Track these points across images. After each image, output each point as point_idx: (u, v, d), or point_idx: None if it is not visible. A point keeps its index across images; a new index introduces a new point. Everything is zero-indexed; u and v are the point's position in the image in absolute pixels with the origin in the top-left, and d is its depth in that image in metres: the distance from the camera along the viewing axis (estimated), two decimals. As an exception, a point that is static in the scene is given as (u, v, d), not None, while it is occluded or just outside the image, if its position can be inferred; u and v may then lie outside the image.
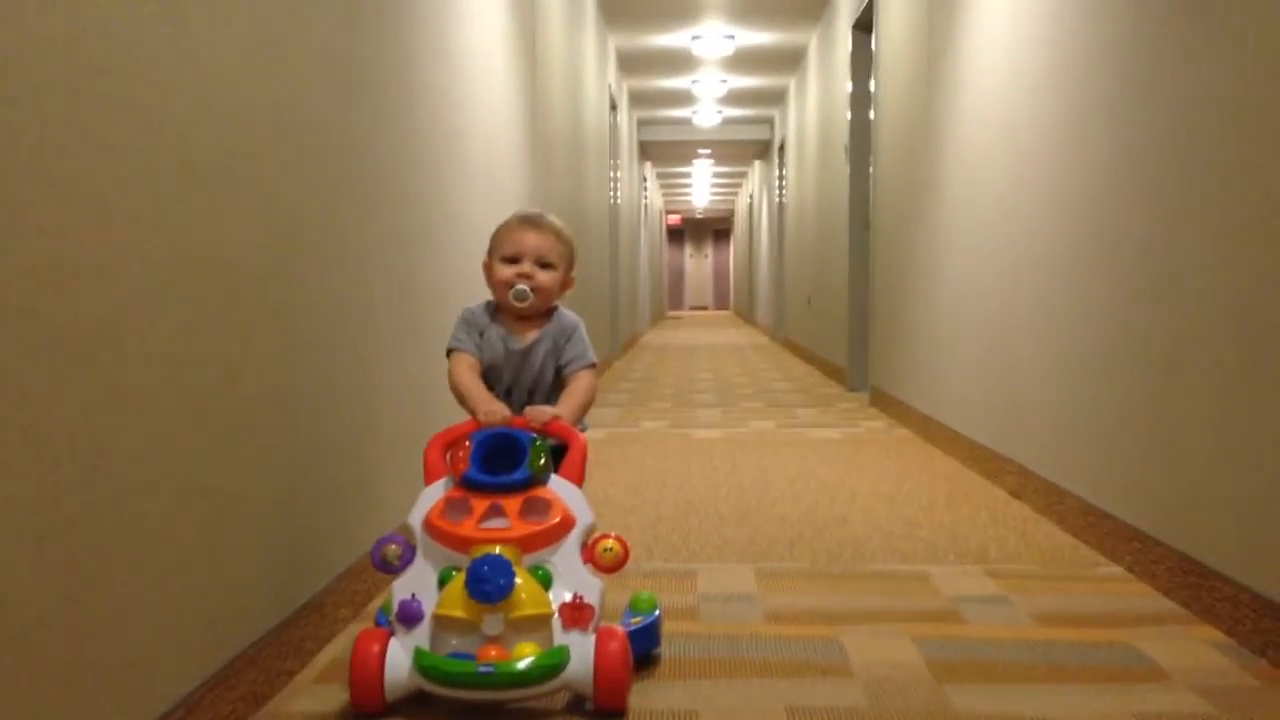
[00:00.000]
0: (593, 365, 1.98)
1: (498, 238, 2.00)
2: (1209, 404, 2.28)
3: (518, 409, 1.91)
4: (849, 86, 7.40)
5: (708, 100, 13.28)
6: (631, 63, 11.22)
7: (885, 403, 6.01)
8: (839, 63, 8.10)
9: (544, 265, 1.97)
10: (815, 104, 9.85)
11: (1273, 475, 2.03)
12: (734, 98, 13.19)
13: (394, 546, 1.71)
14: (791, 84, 12.15)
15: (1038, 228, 3.44)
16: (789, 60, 11.18)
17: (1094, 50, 2.97)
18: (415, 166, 2.89)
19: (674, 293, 31.76)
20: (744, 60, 11.08)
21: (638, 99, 13.24)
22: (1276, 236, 2.02)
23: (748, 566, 2.72)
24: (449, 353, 1.97)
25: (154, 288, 1.47)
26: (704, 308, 32.81)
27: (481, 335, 1.96)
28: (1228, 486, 2.20)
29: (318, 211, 2.12)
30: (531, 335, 1.97)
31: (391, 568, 1.71)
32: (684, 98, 13.16)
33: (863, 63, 7.12)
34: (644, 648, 1.90)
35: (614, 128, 10.40)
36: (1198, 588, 2.29)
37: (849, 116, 7.39)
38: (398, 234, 2.67)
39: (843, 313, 7.57)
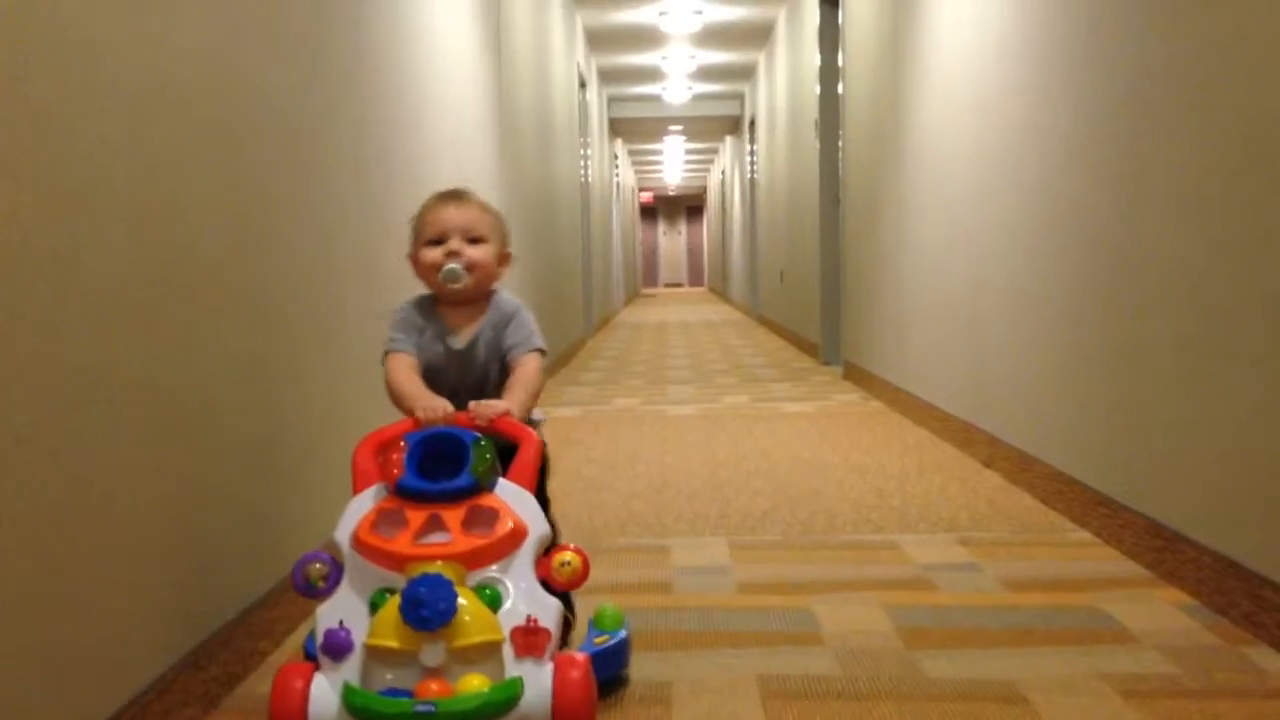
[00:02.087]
0: (540, 350, 1.78)
1: (418, 222, 1.79)
2: (1172, 372, 2.31)
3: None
4: (817, 60, 7.40)
5: (677, 76, 13.24)
6: (600, 40, 11.16)
7: (858, 376, 6.05)
8: (807, 37, 8.09)
9: (473, 240, 1.75)
10: (785, 79, 9.85)
11: (1233, 439, 2.06)
12: (703, 73, 13.15)
13: (318, 565, 1.48)
14: (761, 59, 12.13)
15: (1005, 201, 3.46)
16: (758, 35, 11.15)
17: (1059, 24, 2.98)
18: (378, 148, 2.87)
19: (648, 270, 31.75)
20: (713, 35, 11.04)
21: (607, 76, 13.18)
22: (1233, 206, 2.04)
23: (721, 539, 2.74)
24: (385, 355, 1.75)
25: (112, 273, 1.46)
26: (678, 285, 32.83)
27: (422, 334, 1.76)
28: (1191, 451, 2.23)
29: (279, 193, 2.10)
30: (470, 330, 1.77)
31: (316, 590, 1.47)
32: (653, 74, 13.11)
33: (831, 36, 7.11)
34: (609, 672, 1.70)
35: (583, 105, 10.36)
36: (1163, 551, 2.33)
37: (818, 91, 7.39)
38: (362, 216, 2.66)
39: (815, 287, 7.59)
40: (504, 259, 1.81)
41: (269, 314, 2.02)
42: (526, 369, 1.74)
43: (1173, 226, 2.30)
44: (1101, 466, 2.70)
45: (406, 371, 1.71)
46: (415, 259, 1.79)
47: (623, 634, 1.74)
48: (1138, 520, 2.46)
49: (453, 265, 1.72)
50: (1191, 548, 2.21)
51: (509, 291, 1.84)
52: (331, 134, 2.44)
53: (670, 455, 3.96)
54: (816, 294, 7.52)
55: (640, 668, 1.84)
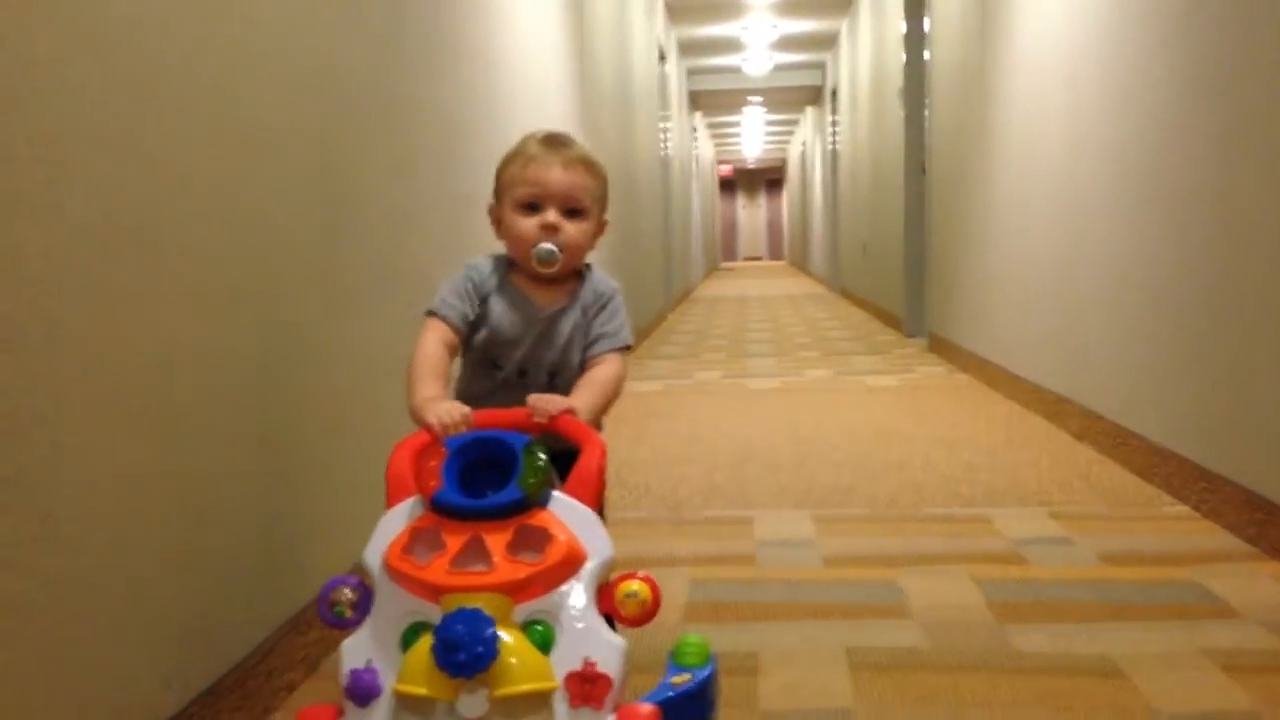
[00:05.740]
0: (627, 348, 1.53)
1: (510, 173, 1.52)
2: (1274, 341, 2.23)
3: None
4: (902, 27, 7.26)
5: (758, 46, 13.10)
6: (679, 11, 11.09)
7: (943, 348, 5.95)
8: (892, 3, 7.94)
9: (572, 212, 1.50)
10: (868, 46, 9.68)
11: (1344, 408, 1.98)
12: (784, 43, 13.00)
13: (347, 591, 1.25)
14: (843, 26, 11.94)
15: (1101, 170, 3.36)
16: (840, 2, 10.98)
17: (1155, -23, 2.88)
18: (458, 123, 2.89)
19: (727, 244, 31.59)
20: (794, 3, 10.90)
21: (687, 48, 13.10)
22: (1348, 162, 1.96)
23: (805, 513, 2.73)
24: (426, 315, 1.49)
25: (197, 246, 1.49)
26: (758, 258, 32.62)
27: (485, 302, 1.51)
28: (1297, 421, 2.16)
29: (360, 174, 2.13)
30: (558, 301, 1.52)
31: (345, 621, 1.25)
32: (734, 45, 12.99)
33: (916, 2, 6.97)
34: (691, 717, 1.35)
35: (663, 78, 10.31)
36: (1265, 524, 2.26)
37: (903, 58, 7.25)
38: (444, 194, 2.68)
39: (899, 259, 7.48)
40: (600, 230, 1.57)
41: (349, 297, 2.05)
42: (607, 369, 1.49)
43: (1277, 189, 2.21)
44: (1201, 439, 2.62)
45: (435, 351, 1.45)
46: (500, 219, 1.53)
47: (708, 671, 1.38)
48: (1238, 493, 2.38)
49: (547, 246, 1.47)
50: (1297, 522, 2.13)
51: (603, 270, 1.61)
52: (412, 112, 2.46)
53: (752, 429, 3.95)
54: (900, 266, 7.41)
55: (726, 638, 1.84)
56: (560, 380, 1.51)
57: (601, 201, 1.55)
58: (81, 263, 1.23)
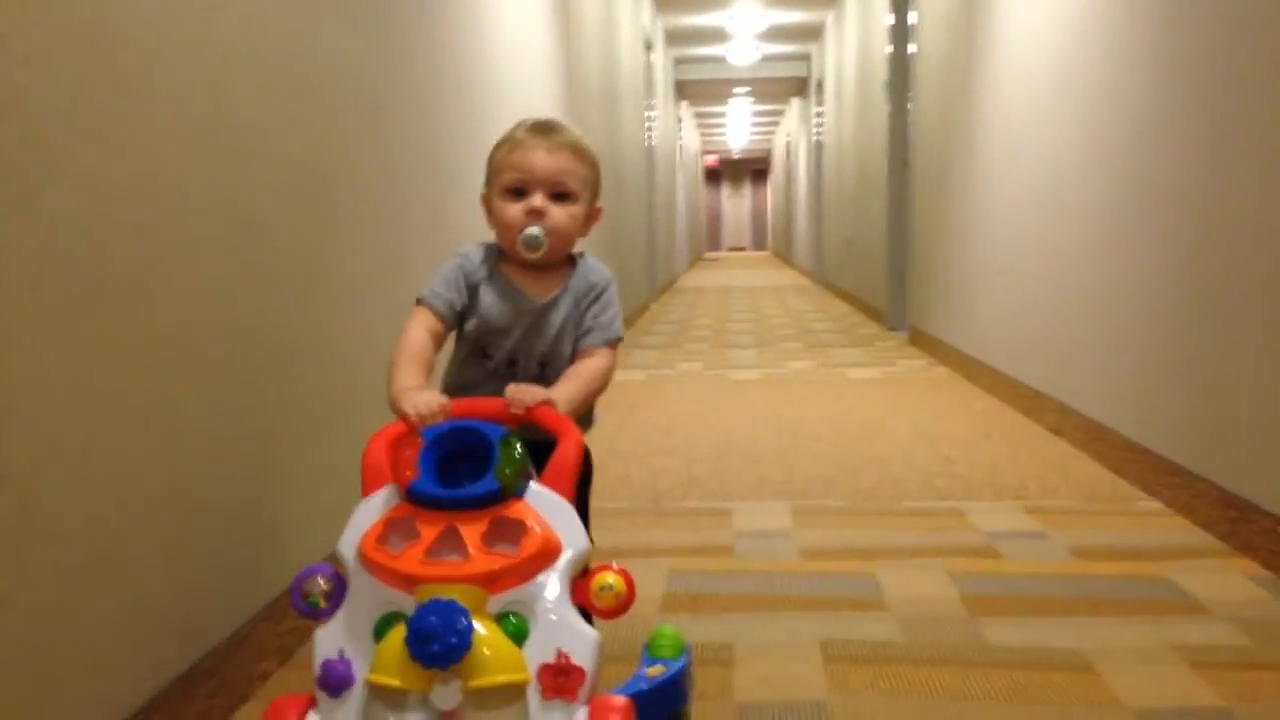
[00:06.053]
0: (617, 340, 1.52)
1: (498, 158, 1.50)
2: (1250, 339, 2.26)
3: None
4: (889, 19, 7.27)
5: (744, 37, 13.09)
6: (666, 0, 11.06)
7: (924, 342, 5.98)
8: (877, -4, 7.94)
9: (560, 196, 1.47)
10: (854, 38, 9.69)
11: (1315, 408, 2.01)
12: (771, 33, 12.99)
13: (320, 581, 1.23)
14: (829, 18, 11.94)
15: (1084, 167, 3.38)
16: (826, -6, 10.98)
17: (1138, -24, 2.89)
18: (445, 119, 2.89)
19: (711, 234, 31.61)
20: (780, -5, 10.89)
21: (673, 37, 13.08)
22: (1323, 164, 1.98)
23: (784, 504, 2.74)
24: (415, 302, 1.48)
25: (192, 242, 1.49)
26: (742, 249, 32.64)
27: (475, 291, 1.49)
28: (1269, 421, 2.18)
29: (350, 171, 2.12)
30: (550, 290, 1.50)
31: (318, 611, 1.23)
32: (720, 35, 12.98)
33: (901, -5, 6.98)
34: (663, 710, 1.37)
35: (649, 68, 10.30)
36: (1236, 521, 2.28)
37: (888, 51, 7.26)
38: (429, 191, 2.67)
39: (882, 252, 7.50)
40: (592, 217, 1.53)
41: (334, 292, 2.05)
42: (595, 363, 1.47)
43: (1258, 194, 2.23)
44: (1176, 436, 2.65)
45: (420, 339, 1.43)
46: (490, 205, 1.51)
47: (682, 663, 1.41)
48: (1211, 490, 2.41)
49: (533, 231, 1.45)
50: (1266, 518, 2.16)
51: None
52: (400, 108, 2.46)
53: (734, 420, 3.96)
54: (883, 259, 7.43)
55: (702, 630, 1.85)
56: (551, 370, 1.49)
57: (593, 187, 1.53)
58: (73, 260, 1.23)
